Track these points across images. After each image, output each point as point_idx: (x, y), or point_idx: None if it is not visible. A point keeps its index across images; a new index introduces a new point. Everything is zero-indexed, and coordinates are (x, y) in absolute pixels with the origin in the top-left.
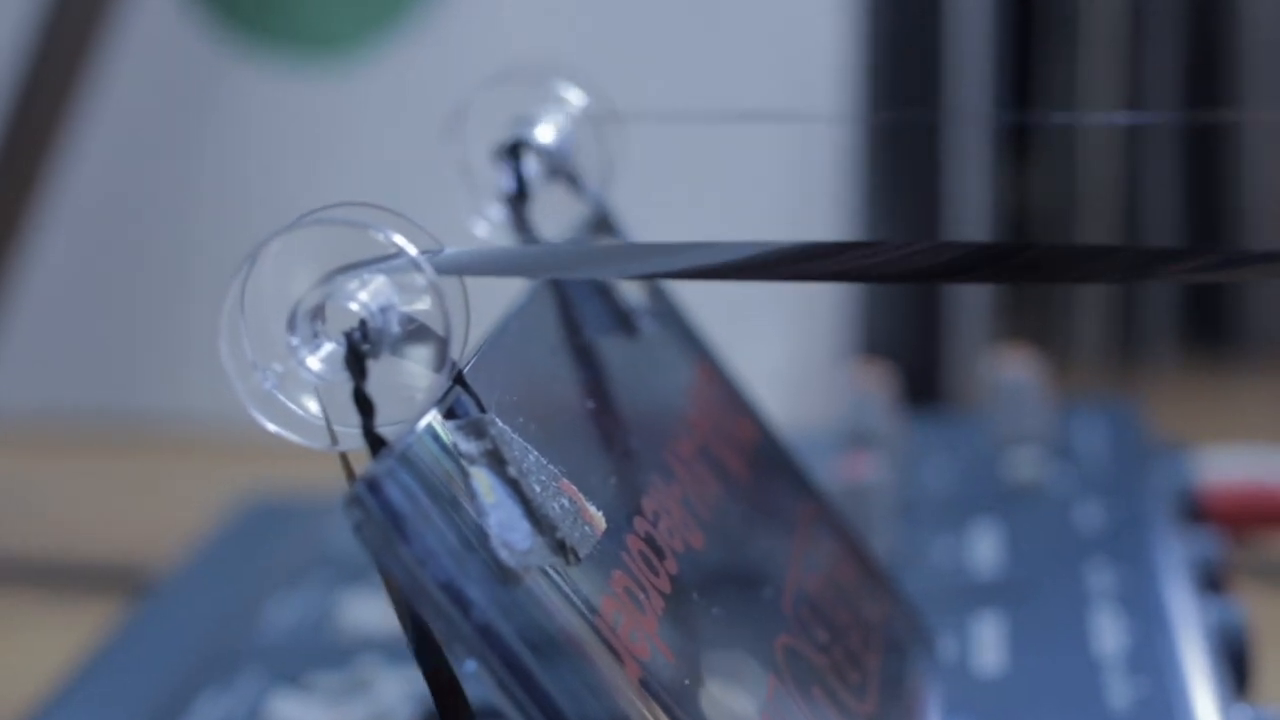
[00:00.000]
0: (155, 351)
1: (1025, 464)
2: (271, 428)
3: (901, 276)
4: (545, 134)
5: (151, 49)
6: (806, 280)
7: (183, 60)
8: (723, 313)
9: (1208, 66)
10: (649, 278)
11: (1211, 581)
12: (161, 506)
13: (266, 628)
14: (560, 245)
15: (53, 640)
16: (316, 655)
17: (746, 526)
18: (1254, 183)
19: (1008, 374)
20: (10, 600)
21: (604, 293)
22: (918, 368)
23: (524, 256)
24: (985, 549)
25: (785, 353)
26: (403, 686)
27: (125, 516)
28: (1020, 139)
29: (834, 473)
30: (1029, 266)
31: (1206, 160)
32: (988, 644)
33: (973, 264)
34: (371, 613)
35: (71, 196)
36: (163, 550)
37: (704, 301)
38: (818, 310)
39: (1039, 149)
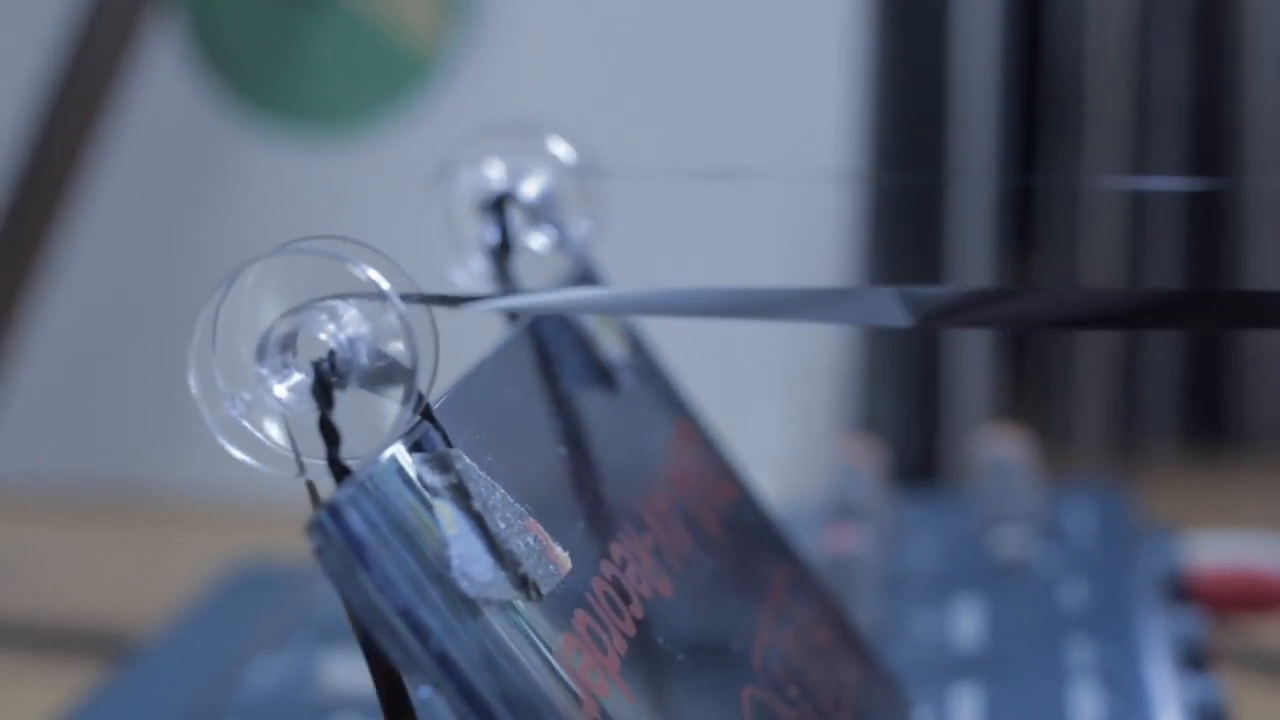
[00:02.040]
0: (151, 421)
1: (1011, 542)
2: (237, 455)
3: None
4: (530, 188)
5: (158, 121)
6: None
7: (189, 132)
8: (720, 387)
9: (1213, 145)
10: (613, 313)
11: (1194, 660)
12: (153, 575)
13: (248, 687)
14: (535, 289)
15: (38, 703)
16: (297, 714)
17: (718, 581)
18: (1258, 265)
19: (996, 453)
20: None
21: (584, 345)
22: (916, 446)
23: (497, 294)
24: (967, 624)
25: (782, 428)
26: None
27: (116, 584)
28: (1023, 220)
29: (819, 544)
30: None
31: (1209, 243)
32: (965, 715)
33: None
34: (352, 673)
35: (74, 266)
36: (152, 617)
37: (701, 374)
38: (816, 386)
39: (1041, 231)
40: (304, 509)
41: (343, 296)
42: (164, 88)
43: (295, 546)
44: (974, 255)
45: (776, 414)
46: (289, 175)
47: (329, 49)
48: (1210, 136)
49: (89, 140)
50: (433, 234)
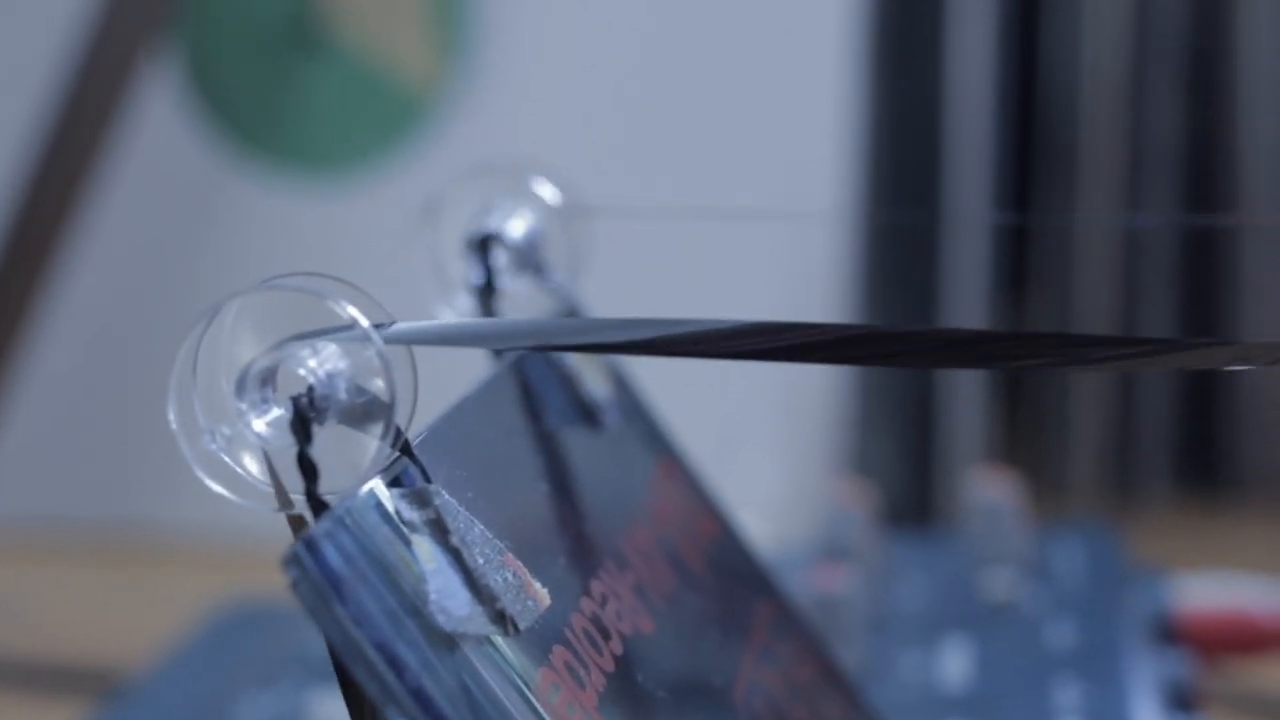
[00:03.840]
0: (144, 462)
1: (1000, 584)
2: (216, 489)
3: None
4: (515, 228)
5: (154, 164)
6: (762, 359)
7: (185, 175)
8: (712, 428)
9: (1206, 189)
10: (595, 350)
11: (1182, 701)
12: (144, 614)
13: None
14: (510, 320)
15: None
16: None
17: (700, 618)
18: (1251, 314)
19: (986, 495)
20: None
21: (568, 383)
22: (907, 487)
23: (472, 329)
24: (955, 665)
25: (774, 470)
26: None
27: (108, 623)
28: (1017, 264)
29: (807, 584)
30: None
31: (1203, 286)
32: None
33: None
34: (341, 712)
35: (69, 307)
36: (143, 656)
37: (693, 415)
38: (808, 428)
39: (1035, 275)
40: None
41: (322, 333)
42: (160, 130)
43: (285, 586)
44: (968, 298)
45: (769, 455)
46: (285, 218)
47: (325, 92)
48: (1203, 180)
49: (85, 182)
50: (425, 275)
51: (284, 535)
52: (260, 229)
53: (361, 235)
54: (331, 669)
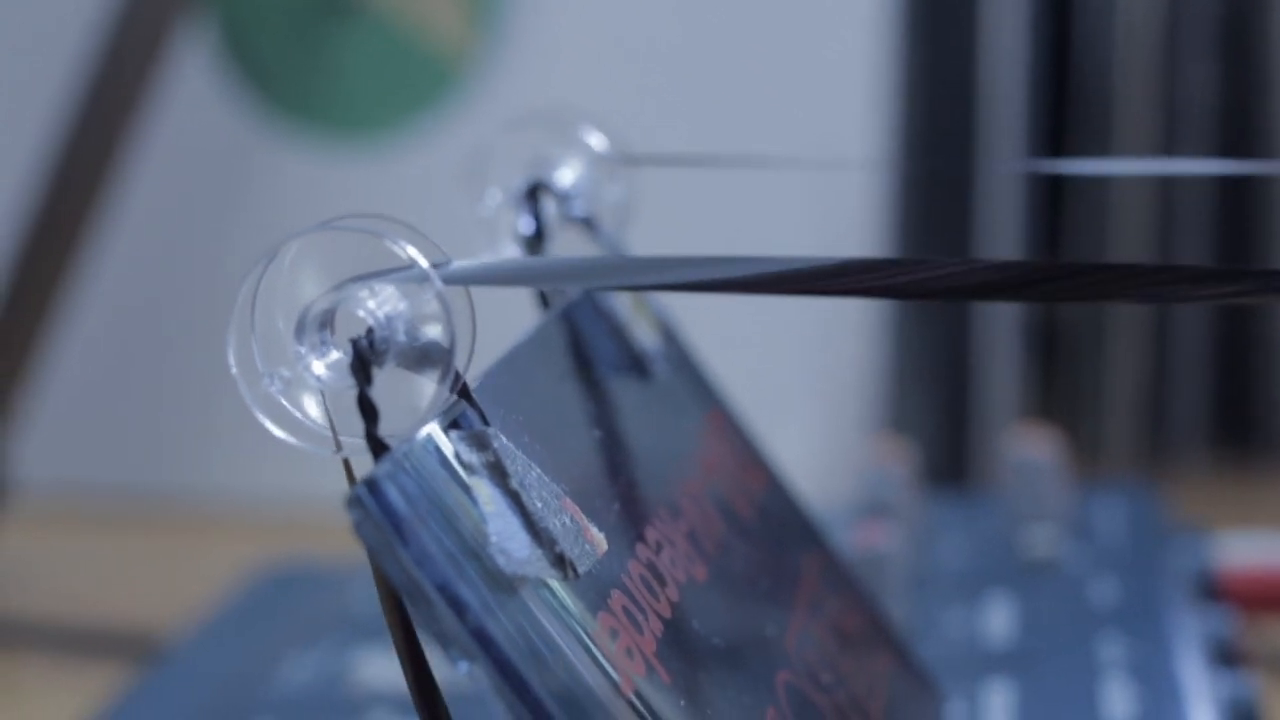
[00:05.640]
0: (180, 428)
1: (1041, 541)
2: (276, 432)
3: (934, 294)
4: (564, 177)
5: (188, 129)
6: (816, 295)
7: (219, 140)
8: (751, 387)
9: (1241, 154)
10: (656, 289)
11: (1225, 657)
12: (181, 580)
13: (280, 684)
14: (567, 258)
15: (70, 704)
16: (329, 711)
17: (751, 567)
18: None
19: (1025, 452)
20: (28, 666)
21: (618, 333)
22: (945, 446)
23: (530, 267)
24: (997, 621)
25: (813, 431)
26: None
27: (146, 589)
28: (1052, 208)
29: (850, 541)
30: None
31: (1239, 231)
32: (996, 708)
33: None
34: (384, 670)
35: (104, 273)
36: (181, 621)
37: (731, 374)
38: (846, 387)
39: (1070, 219)
40: (331, 515)
41: (381, 275)
42: (194, 96)
43: (324, 551)
44: (1004, 238)
45: (807, 415)
46: (319, 183)
47: (359, 57)
48: (1238, 145)
49: (120, 148)
50: (465, 232)
51: (317, 501)
52: (294, 194)
53: (396, 199)
54: (373, 629)
